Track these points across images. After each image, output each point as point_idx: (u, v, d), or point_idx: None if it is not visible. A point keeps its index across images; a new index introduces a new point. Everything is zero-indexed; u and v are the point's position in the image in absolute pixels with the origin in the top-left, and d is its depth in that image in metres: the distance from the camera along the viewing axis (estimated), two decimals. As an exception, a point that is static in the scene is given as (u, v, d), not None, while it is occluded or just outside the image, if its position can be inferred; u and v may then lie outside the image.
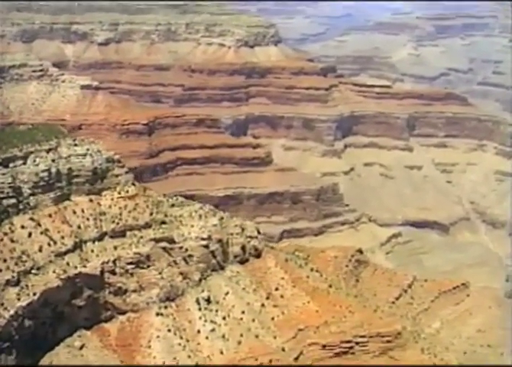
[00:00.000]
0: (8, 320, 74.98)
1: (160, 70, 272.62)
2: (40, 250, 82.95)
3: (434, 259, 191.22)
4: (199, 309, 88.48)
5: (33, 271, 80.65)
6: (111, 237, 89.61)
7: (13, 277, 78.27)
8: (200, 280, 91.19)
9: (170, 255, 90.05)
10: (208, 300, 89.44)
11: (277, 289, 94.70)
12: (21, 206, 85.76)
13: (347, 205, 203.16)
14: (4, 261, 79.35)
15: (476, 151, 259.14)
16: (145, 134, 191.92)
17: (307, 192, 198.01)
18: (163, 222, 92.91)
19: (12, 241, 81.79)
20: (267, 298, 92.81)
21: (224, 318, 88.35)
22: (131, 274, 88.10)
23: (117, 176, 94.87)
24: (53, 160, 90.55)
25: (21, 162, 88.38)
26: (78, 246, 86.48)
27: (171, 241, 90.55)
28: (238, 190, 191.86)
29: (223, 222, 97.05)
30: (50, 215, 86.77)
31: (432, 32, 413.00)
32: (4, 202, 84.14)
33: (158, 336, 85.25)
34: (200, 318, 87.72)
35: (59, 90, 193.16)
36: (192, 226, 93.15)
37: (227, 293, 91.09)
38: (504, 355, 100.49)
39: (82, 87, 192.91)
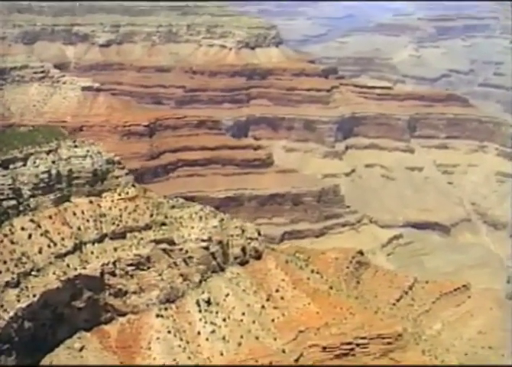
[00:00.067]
0: (8, 322, 74.91)
1: (161, 72, 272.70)
2: (40, 251, 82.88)
3: (435, 260, 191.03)
4: (199, 310, 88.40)
5: (33, 273, 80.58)
6: (112, 238, 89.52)
7: (13, 278, 78.21)
8: (200, 281, 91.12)
9: (170, 257, 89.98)
10: (208, 302, 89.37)
11: (277, 291, 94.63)
12: (21, 208, 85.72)
13: (348, 206, 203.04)
14: (4, 262, 79.30)
15: (477, 152, 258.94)
16: (146, 136, 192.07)
17: (308, 193, 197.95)
18: (164, 224, 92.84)
19: (12, 242, 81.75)
20: (268, 300, 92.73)
21: (224, 320, 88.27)
22: (131, 276, 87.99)
23: (117, 177, 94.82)
24: (54, 162, 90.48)
25: (21, 164, 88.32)
26: (78, 248, 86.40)
27: (171, 242, 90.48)
28: (238, 192, 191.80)
29: (223, 224, 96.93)
30: (50, 217, 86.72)
31: (433, 33, 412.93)
32: (4, 203, 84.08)
33: (158, 338, 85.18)
34: (200, 320, 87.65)
35: (60, 92, 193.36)
36: (193, 228, 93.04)
37: (227, 295, 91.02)
38: (505, 357, 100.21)
39: (83, 89, 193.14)
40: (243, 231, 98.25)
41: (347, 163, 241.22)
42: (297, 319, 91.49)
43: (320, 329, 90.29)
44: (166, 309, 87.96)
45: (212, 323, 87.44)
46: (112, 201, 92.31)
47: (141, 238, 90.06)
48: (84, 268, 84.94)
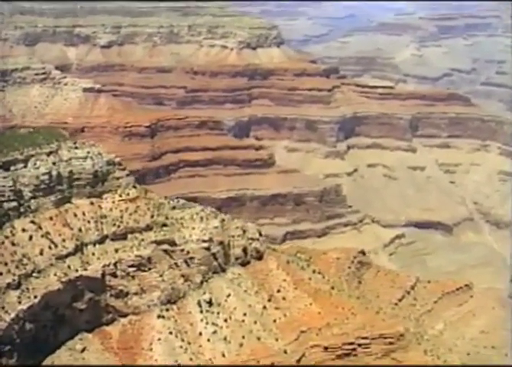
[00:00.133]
0: (9, 323, 74.94)
1: (162, 72, 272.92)
2: (41, 253, 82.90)
3: (438, 260, 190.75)
4: (201, 311, 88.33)
5: (34, 274, 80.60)
6: (113, 240, 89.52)
7: (14, 280, 78.24)
8: (202, 282, 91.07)
9: (171, 258, 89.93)
10: (209, 303, 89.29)
11: (278, 291, 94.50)
12: (21, 209, 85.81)
13: (350, 206, 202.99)
14: (5, 264, 79.33)
15: (479, 151, 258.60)
16: (148, 137, 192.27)
17: (310, 193, 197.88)
18: (165, 225, 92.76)
19: (13, 244, 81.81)
20: (269, 300, 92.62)
21: (225, 320, 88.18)
22: (133, 277, 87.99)
23: (118, 178, 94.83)
24: (54, 163, 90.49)
25: (21, 165, 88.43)
26: (79, 249, 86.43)
27: (172, 243, 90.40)
28: (240, 192, 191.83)
29: (224, 225, 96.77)
30: (50, 218, 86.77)
31: (435, 32, 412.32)
32: (5, 205, 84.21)
33: (160, 339, 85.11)
34: (202, 320, 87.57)
35: (61, 93, 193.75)
36: (194, 229, 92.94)
37: (228, 296, 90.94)
38: (508, 357, 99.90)
39: (85, 90, 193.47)
40: (244, 231, 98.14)
41: (349, 163, 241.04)
42: (299, 320, 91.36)
43: (322, 329, 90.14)
44: (167, 310, 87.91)
45: (213, 323, 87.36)
46: (113, 202, 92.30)
47: (142, 239, 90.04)
48: (85, 270, 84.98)
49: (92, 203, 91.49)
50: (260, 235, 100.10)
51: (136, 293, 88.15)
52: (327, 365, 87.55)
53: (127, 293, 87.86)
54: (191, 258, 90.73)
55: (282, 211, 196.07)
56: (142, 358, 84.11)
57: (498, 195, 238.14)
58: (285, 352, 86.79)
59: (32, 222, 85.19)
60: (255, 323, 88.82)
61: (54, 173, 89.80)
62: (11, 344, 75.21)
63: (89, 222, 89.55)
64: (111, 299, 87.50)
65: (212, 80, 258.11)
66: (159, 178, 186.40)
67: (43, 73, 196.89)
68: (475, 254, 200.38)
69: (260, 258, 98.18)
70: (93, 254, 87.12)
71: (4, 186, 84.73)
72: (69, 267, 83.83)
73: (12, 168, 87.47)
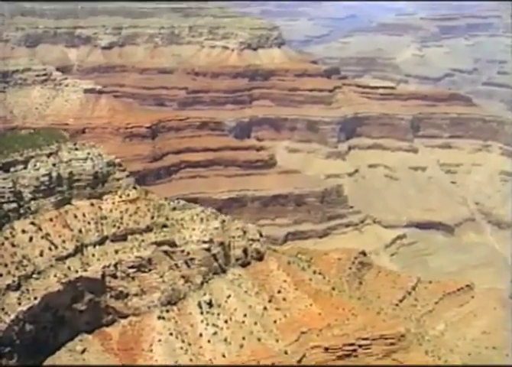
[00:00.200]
0: (9, 325, 74.96)
1: (163, 73, 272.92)
2: (41, 254, 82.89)
3: (439, 260, 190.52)
4: (201, 312, 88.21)
5: (34, 276, 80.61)
6: (113, 241, 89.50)
7: (14, 281, 78.25)
8: (202, 283, 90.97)
9: (171, 259, 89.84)
10: (210, 304, 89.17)
11: (279, 292, 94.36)
12: (21, 211, 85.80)
13: (351, 207, 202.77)
14: (5, 265, 79.35)
15: (481, 151, 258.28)
16: (149, 138, 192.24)
17: (311, 194, 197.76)
18: (165, 226, 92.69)
19: (13, 245, 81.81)
20: (270, 301, 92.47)
21: (226, 321, 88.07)
22: (133, 278, 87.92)
23: (118, 180, 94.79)
24: (54, 165, 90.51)
25: (21, 167, 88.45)
26: (79, 250, 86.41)
27: (172, 244, 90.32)
28: (241, 193, 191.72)
29: (225, 225, 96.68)
30: (50, 220, 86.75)
31: (436, 33, 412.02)
32: (5, 206, 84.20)
33: (160, 340, 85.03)
34: (202, 321, 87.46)
35: (62, 94, 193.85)
36: (194, 229, 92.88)
37: (229, 297, 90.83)
38: (510, 357, 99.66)
39: (86, 91, 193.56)
40: (244, 232, 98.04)
41: (350, 163, 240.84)
42: (299, 321, 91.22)
43: (322, 330, 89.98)
44: (167, 311, 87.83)
45: (213, 324, 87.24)
46: (113, 203, 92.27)
47: (142, 241, 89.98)
48: (85, 271, 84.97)
49: (92, 204, 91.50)
50: (261, 235, 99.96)
51: (136, 295, 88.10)
52: (328, 366, 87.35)
53: (127, 295, 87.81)
54: (191, 259, 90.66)
55: (283, 212, 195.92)
56: (142, 359, 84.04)
57: (500, 195, 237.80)
58: (285, 352, 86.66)
59: (32, 223, 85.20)
60: (256, 323, 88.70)
61: (54, 174, 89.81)
62: (11, 345, 75.23)
63: (89, 223, 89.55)
64: (112, 300, 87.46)
65: (213, 81, 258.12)
66: (160, 179, 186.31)
67: (44, 75, 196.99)
68: (477, 255, 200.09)
69: (260, 258, 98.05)
70: (93, 255, 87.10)
71: (4, 187, 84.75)
72: (69, 268, 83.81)
73: (12, 169, 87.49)
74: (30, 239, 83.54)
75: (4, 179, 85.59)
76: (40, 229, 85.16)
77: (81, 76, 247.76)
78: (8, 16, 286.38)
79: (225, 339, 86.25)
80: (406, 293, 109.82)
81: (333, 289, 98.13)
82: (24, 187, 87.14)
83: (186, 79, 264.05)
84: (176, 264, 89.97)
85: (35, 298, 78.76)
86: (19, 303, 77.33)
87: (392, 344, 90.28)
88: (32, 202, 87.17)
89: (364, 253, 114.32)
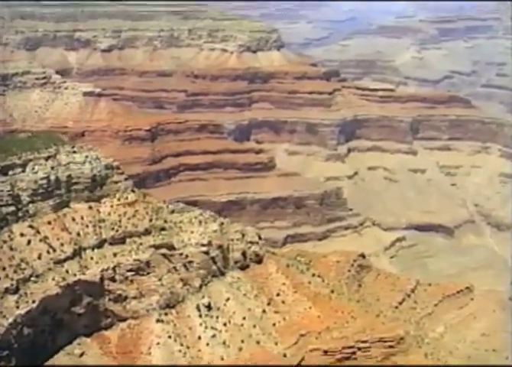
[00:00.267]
0: (7, 328, 74.65)
1: (162, 76, 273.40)
2: (40, 257, 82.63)
3: (439, 263, 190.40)
4: (200, 315, 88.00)
5: (32, 279, 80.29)
6: (111, 244, 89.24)
7: (12, 284, 77.95)
8: (201, 286, 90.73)
9: (170, 262, 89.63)
10: (208, 307, 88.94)
11: (278, 295, 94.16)
12: (20, 214, 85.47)
13: (351, 209, 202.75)
14: (3, 269, 79.03)
15: (480, 153, 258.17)
16: (148, 141, 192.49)
17: (310, 196, 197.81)
18: (163, 229, 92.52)
19: (11, 249, 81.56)
20: (269, 304, 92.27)
21: (225, 324, 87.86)
22: (131, 281, 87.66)
23: (116, 182, 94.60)
24: (52, 168, 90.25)
25: (20, 170, 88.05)
26: (77, 253, 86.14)
27: (171, 247, 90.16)
28: (241, 196, 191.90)
29: (223, 228, 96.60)
30: (49, 223, 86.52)
31: (435, 35, 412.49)
32: (3, 210, 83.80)
33: (158, 343, 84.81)
34: (201, 324, 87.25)
35: (61, 97, 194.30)
36: (192, 232, 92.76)
37: (228, 300, 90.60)
38: (509, 359, 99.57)
39: (85, 94, 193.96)
40: (243, 235, 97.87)
41: (349, 165, 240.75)
42: (298, 324, 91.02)
43: (321, 333, 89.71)
44: (166, 314, 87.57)
45: (212, 327, 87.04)
46: (111, 206, 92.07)
47: (141, 244, 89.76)
48: (83, 274, 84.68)
49: (90, 207, 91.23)
50: (260, 238, 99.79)
51: (135, 298, 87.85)
52: (326, 365, 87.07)
53: (125, 298, 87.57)
54: (190, 262, 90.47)
55: (282, 214, 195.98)
56: (141, 362, 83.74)
57: (499, 197, 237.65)
58: (284, 355, 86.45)
59: (30, 226, 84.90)
60: (254, 326, 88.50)
61: (52, 177, 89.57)
62: (9, 349, 74.89)
63: (87, 226, 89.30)
64: (110, 303, 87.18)
65: (213, 84, 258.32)
66: (159, 182, 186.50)
67: (44, 78, 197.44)
68: (476, 257, 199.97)
69: (259, 261, 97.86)
70: (91, 258, 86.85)
71: (2, 190, 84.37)
72: (67, 271, 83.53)
73: (10, 173, 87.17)
74: (29, 242, 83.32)
75: (3, 182, 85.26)
76: (39, 232, 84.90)
77: (80, 79, 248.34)
78: (8, 19, 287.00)
79: (224, 342, 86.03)
80: (406, 296, 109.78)
81: (332, 292, 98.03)
82: (22, 190, 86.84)
83: (185, 82, 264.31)
84: (174, 267, 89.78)
85: (33, 301, 78.47)
86: (17, 307, 77.03)
87: (391, 347, 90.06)
88: (30, 205, 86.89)
89: (363, 256, 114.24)
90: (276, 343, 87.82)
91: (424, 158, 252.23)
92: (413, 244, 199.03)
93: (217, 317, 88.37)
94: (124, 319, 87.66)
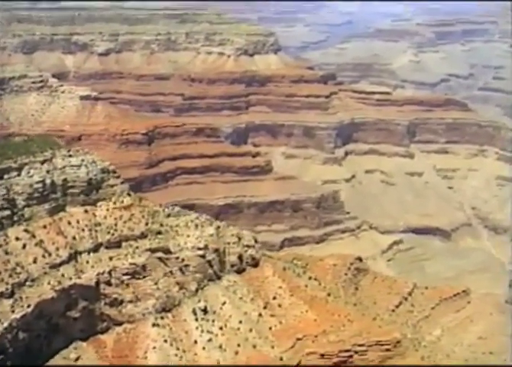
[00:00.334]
0: (2, 333, 74.39)
1: (160, 80, 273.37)
2: (35, 261, 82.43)
3: (436, 266, 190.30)
4: (196, 319, 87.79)
5: (27, 283, 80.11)
6: (107, 248, 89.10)
7: (7, 289, 77.72)
8: (197, 290, 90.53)
9: (166, 265, 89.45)
10: (204, 311, 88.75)
11: (274, 298, 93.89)
12: (15, 218, 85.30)
13: (348, 212, 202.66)
14: (-1, 273, 78.97)
15: (477, 156, 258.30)
16: (145, 144, 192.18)
17: (308, 200, 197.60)
18: (159, 233, 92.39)
19: (6, 253, 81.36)
20: (265, 308, 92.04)
21: (221, 328, 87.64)
22: (127, 285, 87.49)
23: (112, 186, 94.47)
24: (48, 172, 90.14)
25: (15, 174, 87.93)
26: (73, 257, 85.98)
27: (167, 251, 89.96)
28: (238, 199, 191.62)
29: (220, 232, 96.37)
30: (44, 227, 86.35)
31: (432, 38, 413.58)
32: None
33: (154, 347, 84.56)
34: (197, 328, 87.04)
35: (58, 101, 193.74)
36: (189, 236, 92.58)
37: (224, 303, 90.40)
38: (507, 362, 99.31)
39: (82, 98, 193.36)
40: (239, 238, 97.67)
41: (347, 169, 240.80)
42: (295, 327, 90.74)
43: (318, 336, 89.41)
44: (162, 318, 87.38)
45: (208, 331, 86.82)
46: (107, 210, 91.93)
47: (137, 247, 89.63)
48: (79, 278, 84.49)
49: (86, 211, 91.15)
50: (256, 242, 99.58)
51: (131, 302, 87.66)
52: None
53: (121, 302, 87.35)
54: (186, 266, 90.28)
55: (280, 218, 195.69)
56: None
57: (496, 200, 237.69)
58: (281, 359, 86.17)
59: (26, 230, 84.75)
60: (251, 330, 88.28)
61: (48, 181, 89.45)
62: (3, 353, 74.63)
63: (83, 230, 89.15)
64: (106, 307, 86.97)
65: (210, 87, 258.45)
66: (156, 185, 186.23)
67: (41, 81, 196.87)
68: (474, 260, 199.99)
69: (255, 265, 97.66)
70: (87, 262, 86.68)
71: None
72: (62, 275, 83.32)
73: (6, 177, 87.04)
74: (24, 246, 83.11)
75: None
76: (34, 236, 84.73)
77: (78, 82, 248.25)
78: (5, 23, 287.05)
79: (220, 346, 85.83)
80: (403, 299, 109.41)
81: (329, 295, 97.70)
82: (17, 194, 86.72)
83: (182, 86, 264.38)
84: (170, 271, 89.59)
85: (28, 306, 78.21)
86: (12, 311, 76.79)
87: (388, 350, 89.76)
88: (26, 209, 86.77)
89: (359, 259, 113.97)
90: (272, 347, 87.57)
91: (421, 161, 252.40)
92: (410, 247, 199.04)
93: (213, 321, 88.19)
94: (120, 324, 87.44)
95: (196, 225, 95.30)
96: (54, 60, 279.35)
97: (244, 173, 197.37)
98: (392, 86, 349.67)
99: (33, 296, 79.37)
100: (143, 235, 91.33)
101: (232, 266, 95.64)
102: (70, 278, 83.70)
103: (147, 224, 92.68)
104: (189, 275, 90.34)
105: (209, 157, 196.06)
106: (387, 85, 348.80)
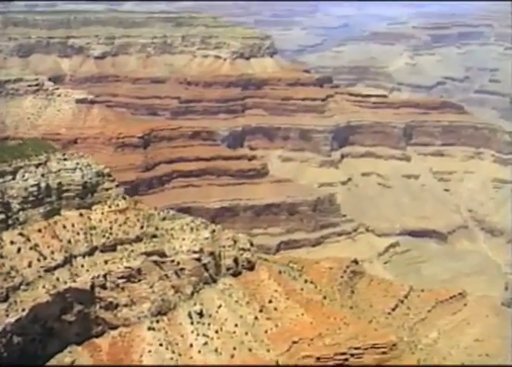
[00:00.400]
0: (-3, 337, 74.16)
1: (156, 83, 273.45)
2: (30, 265, 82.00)
3: (432, 268, 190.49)
4: (192, 323, 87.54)
5: (22, 287, 79.66)
6: (102, 251, 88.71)
7: (2, 293, 77.31)
8: (192, 293, 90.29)
9: (161, 269, 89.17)
10: (200, 314, 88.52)
11: (270, 301, 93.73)
12: (10, 222, 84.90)
13: (344, 215, 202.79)
14: (-7, 276, 78.66)
15: (473, 158, 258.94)
16: (141, 147, 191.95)
17: (304, 203, 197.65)
18: (154, 236, 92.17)
19: (1, 256, 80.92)
20: (261, 311, 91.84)
21: (216, 331, 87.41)
22: (122, 289, 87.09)
23: (107, 190, 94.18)
24: (43, 175, 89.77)
25: (10, 177, 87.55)
26: (68, 261, 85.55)
27: (162, 254, 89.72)
28: (234, 202, 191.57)
29: (215, 235, 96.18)
30: (39, 230, 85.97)
31: (428, 41, 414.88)
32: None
33: (150, 351, 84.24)
34: (192, 332, 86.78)
35: (54, 104, 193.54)
36: (184, 239, 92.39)
37: (219, 307, 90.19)
38: (503, 364, 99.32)
39: (78, 101, 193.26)
40: (235, 242, 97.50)
41: (343, 171, 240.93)
42: (291, 330, 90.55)
43: (314, 339, 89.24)
44: (157, 321, 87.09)
45: (204, 335, 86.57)
46: (102, 213, 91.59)
47: (132, 251, 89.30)
48: (74, 282, 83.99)
49: (81, 215, 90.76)
50: (252, 245, 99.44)
51: (126, 305, 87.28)
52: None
53: (117, 305, 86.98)
54: (181, 269, 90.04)
55: (276, 221, 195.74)
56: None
57: (493, 202, 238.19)
58: (277, 362, 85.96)
59: (20, 234, 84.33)
60: (246, 333, 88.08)
61: (43, 184, 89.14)
62: (-2, 358, 74.46)
63: (78, 233, 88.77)
64: (101, 311, 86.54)
65: (206, 90, 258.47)
66: (152, 188, 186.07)
67: (36, 85, 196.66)
68: (470, 262, 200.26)
69: (251, 268, 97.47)
70: (82, 266, 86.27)
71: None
72: (57, 279, 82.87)
73: (0, 180, 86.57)
74: (19, 250, 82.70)
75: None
76: (29, 240, 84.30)
77: (74, 85, 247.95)
78: (1, 26, 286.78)
79: (216, 350, 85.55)
80: (399, 302, 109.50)
81: (324, 298, 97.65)
82: (12, 198, 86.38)
83: (178, 89, 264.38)
84: (166, 275, 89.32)
85: (23, 310, 77.80)
86: (7, 315, 76.38)
87: (384, 353, 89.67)
88: (20, 212, 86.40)
89: (355, 262, 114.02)
90: (268, 350, 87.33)
91: (417, 164, 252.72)
92: (406, 249, 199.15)
93: (209, 324, 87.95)
94: (115, 327, 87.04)
95: (192, 229, 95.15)
96: (50, 64, 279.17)
97: (241, 176, 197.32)
98: (388, 88, 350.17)
99: (28, 300, 78.94)
100: (138, 239, 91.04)
101: (228, 269, 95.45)
102: (65, 282, 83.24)
103: (142, 227, 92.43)
104: (185, 279, 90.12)
105: (205, 160, 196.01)
106: (384, 88, 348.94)
